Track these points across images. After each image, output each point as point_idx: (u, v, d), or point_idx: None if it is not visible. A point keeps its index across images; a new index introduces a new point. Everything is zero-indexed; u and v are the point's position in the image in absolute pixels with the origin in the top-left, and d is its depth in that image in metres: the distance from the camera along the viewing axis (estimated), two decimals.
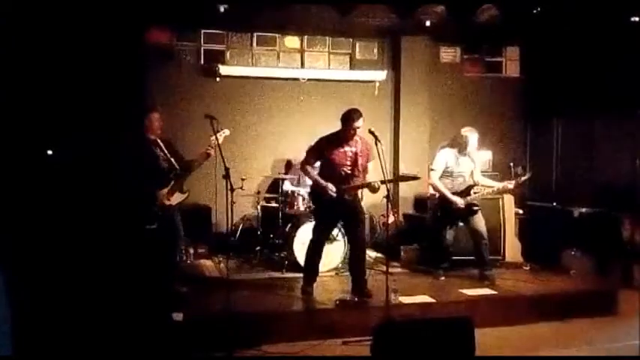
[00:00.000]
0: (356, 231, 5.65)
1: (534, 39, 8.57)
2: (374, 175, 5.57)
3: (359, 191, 5.75)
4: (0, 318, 0.94)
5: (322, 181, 5.46)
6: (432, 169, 6.34)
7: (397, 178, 5.30)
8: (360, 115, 5.39)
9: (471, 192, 6.21)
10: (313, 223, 5.94)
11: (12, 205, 5.36)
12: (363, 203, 6.83)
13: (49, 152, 6.22)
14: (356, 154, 5.47)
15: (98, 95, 6.80)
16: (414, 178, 5.78)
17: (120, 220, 5.87)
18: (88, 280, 5.34)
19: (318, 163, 5.66)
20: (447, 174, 6.27)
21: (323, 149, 5.52)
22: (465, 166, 6.28)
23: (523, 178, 6.33)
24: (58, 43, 6.51)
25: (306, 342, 4.80)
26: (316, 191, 5.65)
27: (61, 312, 4.69)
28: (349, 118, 5.38)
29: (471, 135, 6.21)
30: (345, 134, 5.44)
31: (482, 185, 6.31)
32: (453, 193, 6.17)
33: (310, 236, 5.80)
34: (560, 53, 8.19)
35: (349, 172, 5.48)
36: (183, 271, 6.17)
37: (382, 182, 5.26)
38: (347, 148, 5.47)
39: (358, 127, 5.38)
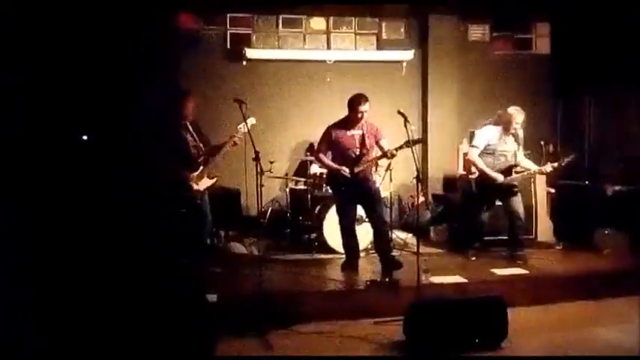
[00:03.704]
0: (374, 210, 5.81)
1: (565, 15, 8.38)
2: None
3: (374, 172, 6.01)
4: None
5: (335, 165, 5.77)
6: (472, 146, 6.26)
7: (406, 144, 5.48)
8: (366, 100, 5.63)
9: (512, 172, 6.15)
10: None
11: (46, 188, 5.47)
12: (391, 184, 6.87)
13: (84, 137, 6.30)
14: (363, 135, 5.72)
15: (126, 81, 6.86)
16: (419, 141, 5.79)
17: (151, 204, 5.96)
18: (121, 263, 5.43)
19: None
20: (488, 152, 6.18)
21: (331, 136, 5.80)
22: (509, 145, 6.19)
23: (567, 160, 6.17)
24: (88, 29, 6.58)
25: (337, 322, 4.84)
26: (331, 176, 5.95)
27: (94, 295, 4.79)
28: (355, 102, 5.63)
29: (518, 114, 6.11)
30: (352, 118, 5.71)
31: (522, 166, 6.22)
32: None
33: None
34: (591, 29, 8.01)
35: (359, 153, 5.74)
36: (215, 254, 6.25)
37: (396, 149, 5.52)
38: (354, 132, 5.74)
39: (365, 111, 5.63)
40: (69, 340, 4.10)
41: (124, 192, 6.34)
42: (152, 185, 5.82)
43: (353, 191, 5.78)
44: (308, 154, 7.78)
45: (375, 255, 6.07)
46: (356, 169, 5.68)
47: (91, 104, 6.58)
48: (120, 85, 6.80)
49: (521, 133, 6.21)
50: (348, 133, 5.74)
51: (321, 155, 5.90)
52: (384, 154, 5.67)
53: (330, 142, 5.82)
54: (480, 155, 6.18)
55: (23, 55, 5.69)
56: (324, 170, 7.11)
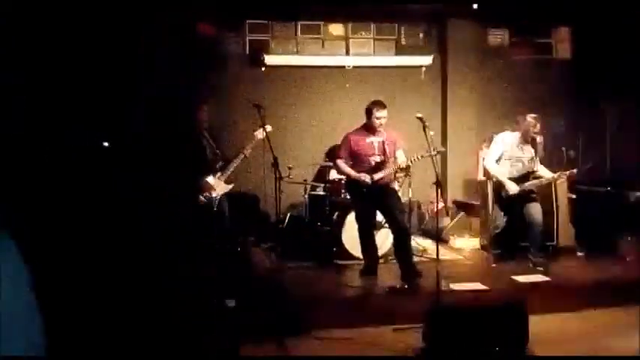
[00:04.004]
0: (395, 217, 5.75)
1: (586, 19, 8.30)
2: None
3: (395, 179, 5.98)
4: (25, 313, 0.92)
5: (353, 173, 5.72)
6: (488, 154, 6.22)
7: (426, 155, 5.44)
8: (383, 106, 5.63)
9: (530, 178, 6.09)
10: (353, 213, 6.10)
11: (46, 188, 5.50)
12: (411, 190, 6.83)
13: (106, 144, 6.33)
14: (383, 142, 5.68)
15: (128, 82, 6.87)
16: (439, 152, 5.80)
17: (167, 209, 5.98)
18: (139, 267, 5.45)
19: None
20: (505, 158, 6.14)
21: (350, 143, 5.77)
22: (526, 152, 6.14)
23: (584, 168, 6.12)
24: (89, 28, 6.60)
25: (355, 329, 4.82)
26: (350, 182, 5.91)
27: (111, 300, 4.81)
28: (372, 109, 5.63)
29: (535, 122, 6.07)
30: (370, 125, 5.69)
31: (540, 174, 6.17)
32: (510, 179, 6.07)
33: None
34: (612, 33, 7.91)
35: (379, 160, 5.70)
36: (234, 259, 6.27)
37: (412, 161, 5.55)
38: (373, 139, 5.71)
39: (382, 117, 5.61)
40: (69, 341, 4.12)
41: (126, 193, 6.36)
42: (159, 187, 5.85)
43: (372, 198, 5.73)
44: (327, 159, 7.79)
45: (395, 261, 6.05)
46: (376, 177, 5.63)
47: (91, 104, 6.61)
48: (122, 86, 6.81)
49: (539, 139, 6.15)
50: (367, 139, 5.71)
51: (339, 162, 5.87)
52: (403, 168, 5.69)
53: (348, 149, 5.78)
54: (497, 161, 6.14)
55: (23, 55, 5.73)
56: (343, 176, 7.12)
